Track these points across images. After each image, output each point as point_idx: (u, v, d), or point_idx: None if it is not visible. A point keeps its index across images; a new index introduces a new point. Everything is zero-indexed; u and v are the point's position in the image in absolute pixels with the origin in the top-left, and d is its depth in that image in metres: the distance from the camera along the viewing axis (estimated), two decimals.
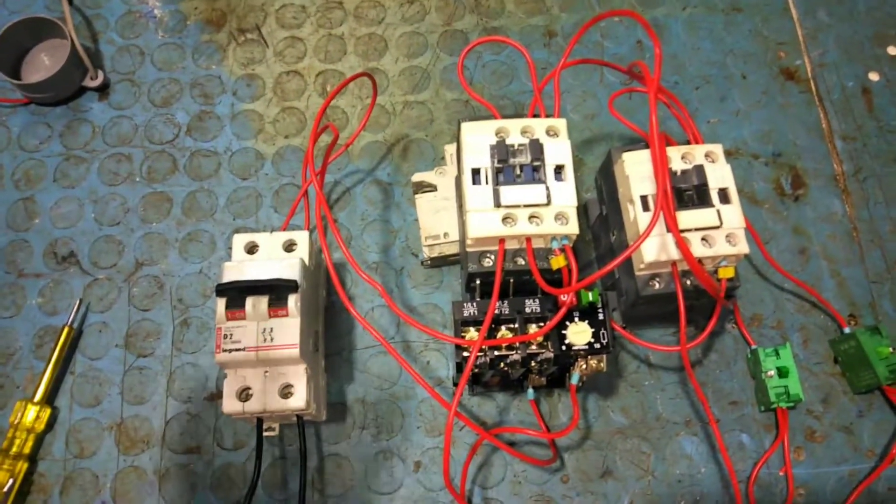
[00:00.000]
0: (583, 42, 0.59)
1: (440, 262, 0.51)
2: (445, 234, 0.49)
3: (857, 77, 0.58)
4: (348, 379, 0.48)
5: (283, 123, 0.56)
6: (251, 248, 0.44)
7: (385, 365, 0.49)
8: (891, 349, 0.46)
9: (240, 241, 0.44)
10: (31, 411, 0.46)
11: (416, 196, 0.50)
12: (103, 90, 0.57)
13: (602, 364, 0.40)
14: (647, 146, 0.43)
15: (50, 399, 0.48)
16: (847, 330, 0.48)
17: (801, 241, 0.52)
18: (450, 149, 0.52)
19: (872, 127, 0.56)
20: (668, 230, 0.39)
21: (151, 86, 0.57)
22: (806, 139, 0.56)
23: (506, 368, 0.40)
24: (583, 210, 0.52)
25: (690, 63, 0.58)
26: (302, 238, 0.45)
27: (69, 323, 0.48)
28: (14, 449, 0.45)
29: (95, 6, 0.60)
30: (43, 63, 0.57)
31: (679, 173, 0.42)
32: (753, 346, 0.48)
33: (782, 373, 0.46)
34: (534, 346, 0.39)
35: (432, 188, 0.50)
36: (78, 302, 0.50)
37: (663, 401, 0.48)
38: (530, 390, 0.45)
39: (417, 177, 0.51)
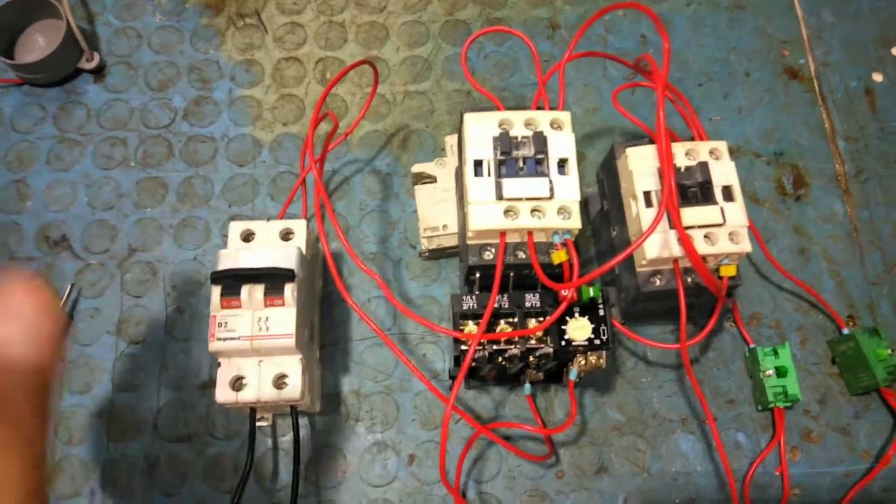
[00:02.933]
0: (586, 36, 0.58)
1: (438, 255, 0.50)
2: (444, 226, 0.48)
3: (861, 77, 0.58)
4: (343, 370, 0.48)
5: (281, 110, 0.55)
6: (247, 236, 0.44)
7: (381, 357, 0.48)
8: (889, 351, 0.46)
9: (236, 228, 0.44)
10: None
11: (416, 187, 0.50)
12: (99, 72, 0.56)
13: (601, 360, 0.40)
14: (650, 142, 0.43)
15: None
16: (846, 331, 0.48)
17: (802, 241, 0.52)
18: (450, 140, 0.51)
19: (875, 128, 0.56)
20: (672, 227, 0.39)
21: (148, 69, 0.56)
22: (808, 139, 0.56)
23: (504, 363, 0.40)
24: (584, 205, 0.51)
25: (694, 60, 0.58)
26: (299, 227, 0.44)
27: (60, 308, 0.48)
28: None
29: None
30: (37, 43, 0.56)
31: (683, 170, 0.41)
32: (752, 346, 0.48)
33: (780, 372, 0.46)
34: (533, 341, 0.39)
35: (432, 179, 0.50)
36: (69, 287, 0.49)
37: (660, 398, 0.47)
38: (527, 385, 0.44)
39: (417, 168, 0.50)
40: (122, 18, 0.58)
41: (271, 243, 0.43)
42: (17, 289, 0.28)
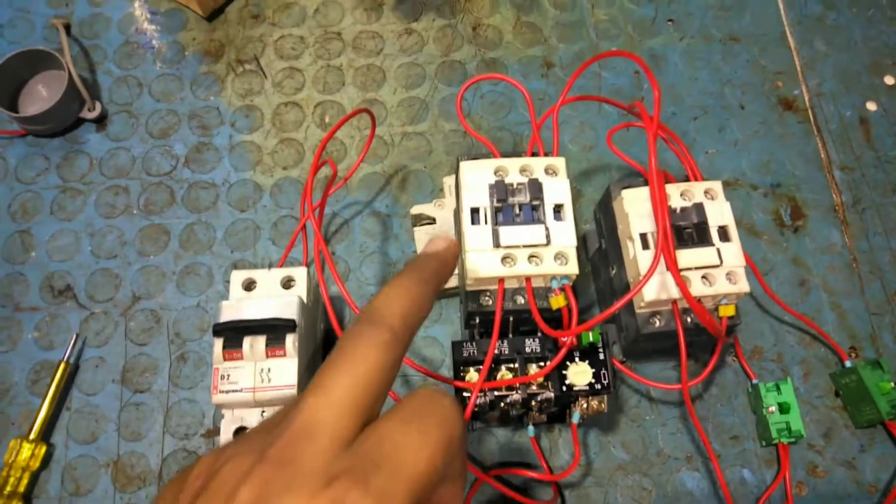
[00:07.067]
0: (580, 74, 0.59)
1: (439, 295, 0.50)
2: None
3: (855, 107, 0.58)
4: None
5: (281, 155, 0.56)
6: (249, 285, 0.44)
7: None
8: (892, 384, 0.45)
9: (237, 277, 0.44)
10: (27, 449, 0.45)
11: (415, 228, 0.50)
12: (101, 121, 0.57)
13: (603, 405, 0.40)
14: (646, 182, 0.43)
15: (45, 436, 0.47)
16: (848, 363, 0.48)
17: (801, 273, 0.52)
18: (448, 181, 0.52)
19: (870, 157, 0.56)
20: (668, 270, 0.39)
21: (149, 117, 0.57)
22: (804, 169, 0.56)
23: (506, 408, 0.40)
24: (582, 241, 0.52)
25: (688, 93, 0.58)
26: (300, 274, 0.44)
27: (65, 358, 0.48)
28: (8, 488, 0.45)
29: (93, 37, 0.60)
30: (40, 94, 0.57)
31: (678, 211, 0.42)
32: (754, 381, 0.48)
33: (783, 408, 0.46)
34: (534, 387, 0.39)
35: (431, 220, 0.50)
36: (74, 337, 0.49)
37: (664, 436, 0.47)
38: (530, 427, 0.44)
39: (416, 209, 0.51)
40: (123, 67, 0.59)
41: (272, 292, 0.44)
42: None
